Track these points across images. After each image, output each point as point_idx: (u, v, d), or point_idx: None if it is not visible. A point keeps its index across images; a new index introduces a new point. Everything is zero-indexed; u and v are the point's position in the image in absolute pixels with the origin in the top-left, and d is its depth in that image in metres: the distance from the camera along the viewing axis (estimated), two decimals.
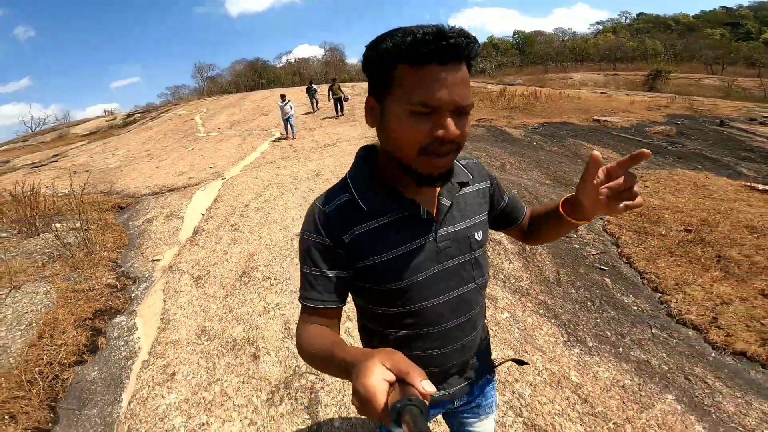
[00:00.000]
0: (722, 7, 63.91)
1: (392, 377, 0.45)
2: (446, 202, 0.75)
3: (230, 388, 2.11)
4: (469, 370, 0.88)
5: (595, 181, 0.64)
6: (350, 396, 1.80)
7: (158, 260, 3.76)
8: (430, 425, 0.82)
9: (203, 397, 2.09)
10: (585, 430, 1.78)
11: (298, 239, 3.57)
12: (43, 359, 2.62)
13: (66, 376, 2.52)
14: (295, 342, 0.71)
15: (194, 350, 2.43)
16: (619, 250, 3.25)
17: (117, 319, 3.00)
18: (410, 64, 0.58)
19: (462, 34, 0.58)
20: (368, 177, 0.73)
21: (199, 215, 4.88)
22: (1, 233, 4.65)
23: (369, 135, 8.78)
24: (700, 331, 2.46)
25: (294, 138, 9.94)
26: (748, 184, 4.72)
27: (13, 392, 2.31)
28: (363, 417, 0.39)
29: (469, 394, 0.91)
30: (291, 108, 10.02)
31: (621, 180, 0.63)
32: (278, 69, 55.81)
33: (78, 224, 4.54)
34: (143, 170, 9.17)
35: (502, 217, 0.91)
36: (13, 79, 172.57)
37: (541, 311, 2.63)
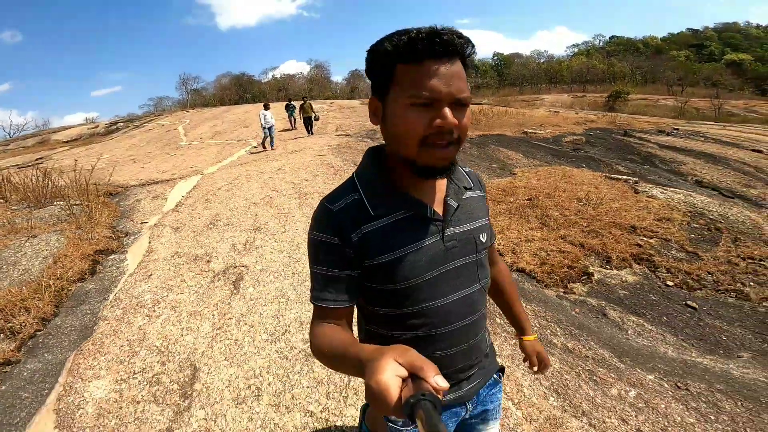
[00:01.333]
0: (689, 29, 68.83)
1: (405, 373, 0.46)
2: (453, 203, 0.80)
3: (187, 278, 3.38)
4: (476, 373, 0.90)
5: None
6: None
7: (146, 222, 5.00)
8: None
9: (168, 284, 3.34)
10: None
11: (254, 207, 4.94)
12: (55, 274, 3.77)
13: (70, 288, 3.58)
14: (309, 341, 0.83)
15: (168, 263, 3.70)
16: None
17: (112, 256, 4.20)
18: (407, 62, 0.64)
19: (454, 33, 0.65)
20: (376, 176, 0.77)
21: (180, 196, 6.14)
22: (12, 206, 5.80)
23: (332, 143, 10.16)
24: (501, 255, 3.83)
25: (274, 149, 10.38)
26: (605, 174, 6.23)
27: (31, 294, 3.42)
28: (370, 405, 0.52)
29: (477, 396, 0.93)
30: (272, 118, 10.64)
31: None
32: (263, 84, 57.41)
33: (78, 202, 5.74)
34: (129, 170, 10.30)
35: None
36: None
37: None
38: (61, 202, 5.82)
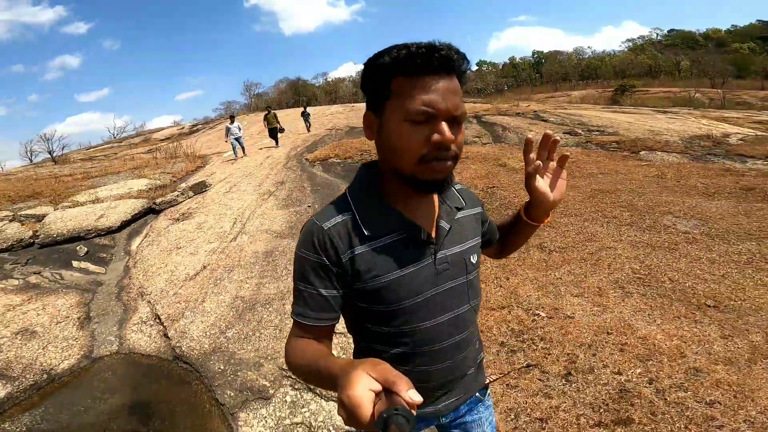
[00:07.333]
0: (759, 20, 66.48)
1: (378, 387, 0.48)
2: (445, 225, 0.85)
3: (223, 165, 11.77)
4: (457, 388, 0.96)
5: (530, 168, 0.86)
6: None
7: (212, 160, 13.61)
8: None
9: (219, 166, 11.72)
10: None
11: (253, 153, 14.08)
12: (187, 168, 12.42)
13: (191, 171, 12.27)
14: (284, 355, 0.81)
15: (219, 164, 12.20)
16: (310, 155, 12.38)
17: (202, 168, 12.70)
18: (406, 76, 0.69)
19: (452, 48, 0.70)
20: (369, 196, 0.81)
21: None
22: (161, 157, 14.78)
23: (315, 132, 18.23)
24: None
25: (244, 156, 13.03)
26: None
27: (180, 172, 12.02)
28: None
29: (455, 411, 0.99)
30: (239, 129, 13.01)
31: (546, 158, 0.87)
32: (316, 88, 67.68)
33: (188, 157, 14.58)
34: (206, 151, 19.36)
35: (484, 242, 1.03)
36: (96, 88, 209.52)
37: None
38: (182, 157, 14.71)
